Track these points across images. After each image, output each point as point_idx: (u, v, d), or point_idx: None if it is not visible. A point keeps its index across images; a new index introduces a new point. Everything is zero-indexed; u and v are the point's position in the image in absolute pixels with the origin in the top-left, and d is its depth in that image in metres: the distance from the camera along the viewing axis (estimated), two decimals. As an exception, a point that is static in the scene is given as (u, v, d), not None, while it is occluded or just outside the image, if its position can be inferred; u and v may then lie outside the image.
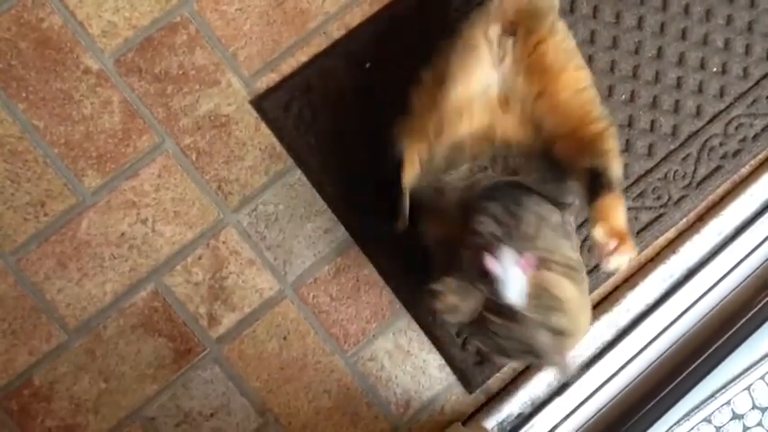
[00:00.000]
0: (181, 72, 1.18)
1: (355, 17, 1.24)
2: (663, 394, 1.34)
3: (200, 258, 1.20)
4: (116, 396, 1.18)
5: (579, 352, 1.31)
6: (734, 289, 1.39)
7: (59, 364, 1.16)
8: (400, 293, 1.25)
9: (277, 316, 1.22)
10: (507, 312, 0.90)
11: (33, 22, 1.13)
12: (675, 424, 1.35)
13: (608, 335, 1.32)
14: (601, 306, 1.32)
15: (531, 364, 1.14)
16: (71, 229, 1.16)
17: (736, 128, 1.37)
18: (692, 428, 1.38)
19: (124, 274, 1.17)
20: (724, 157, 1.36)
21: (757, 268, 1.37)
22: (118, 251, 1.17)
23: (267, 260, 1.22)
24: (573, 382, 1.27)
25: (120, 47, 1.16)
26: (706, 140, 1.36)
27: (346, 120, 1.22)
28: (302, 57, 1.22)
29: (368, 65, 1.23)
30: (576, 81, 1.02)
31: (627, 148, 1.32)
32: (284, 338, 1.23)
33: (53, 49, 1.14)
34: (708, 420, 1.40)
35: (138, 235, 1.18)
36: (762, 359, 1.37)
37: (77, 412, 1.17)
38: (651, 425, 1.32)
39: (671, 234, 1.36)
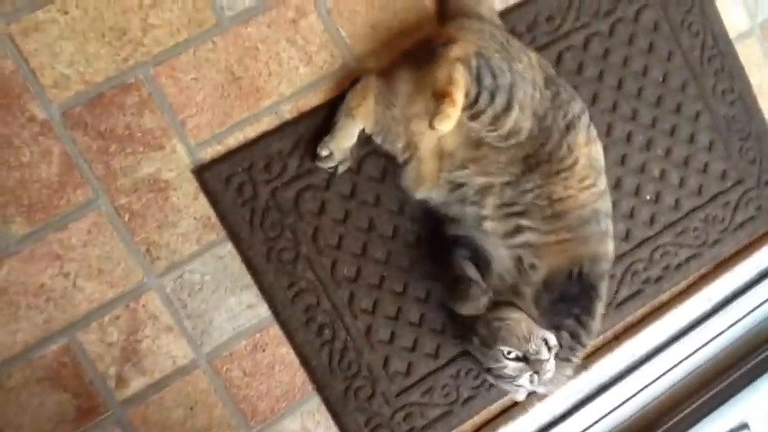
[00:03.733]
0: (127, 132, 1.19)
1: (309, 102, 1.26)
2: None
3: (117, 318, 1.19)
4: (10, 446, 1.16)
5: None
6: (643, 407, 1.44)
7: (-44, 409, 1.14)
8: (314, 376, 1.26)
9: (187, 385, 1.22)
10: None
11: (-16, 64, 1.13)
12: None
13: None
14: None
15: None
16: (-10, 273, 1.15)
17: (662, 255, 1.42)
18: None
19: (38, 326, 1.16)
20: (646, 281, 1.41)
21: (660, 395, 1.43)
22: (35, 301, 1.16)
23: (185, 328, 1.22)
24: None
25: (70, 100, 1.16)
26: (631, 264, 1.41)
27: (283, 201, 1.24)
28: (251, 133, 1.24)
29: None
30: None
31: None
32: (191, 408, 1.22)
33: (0, 93, 1.14)
34: None
35: (57, 288, 1.17)
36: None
37: (-33, 459, 1.14)
38: None
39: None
